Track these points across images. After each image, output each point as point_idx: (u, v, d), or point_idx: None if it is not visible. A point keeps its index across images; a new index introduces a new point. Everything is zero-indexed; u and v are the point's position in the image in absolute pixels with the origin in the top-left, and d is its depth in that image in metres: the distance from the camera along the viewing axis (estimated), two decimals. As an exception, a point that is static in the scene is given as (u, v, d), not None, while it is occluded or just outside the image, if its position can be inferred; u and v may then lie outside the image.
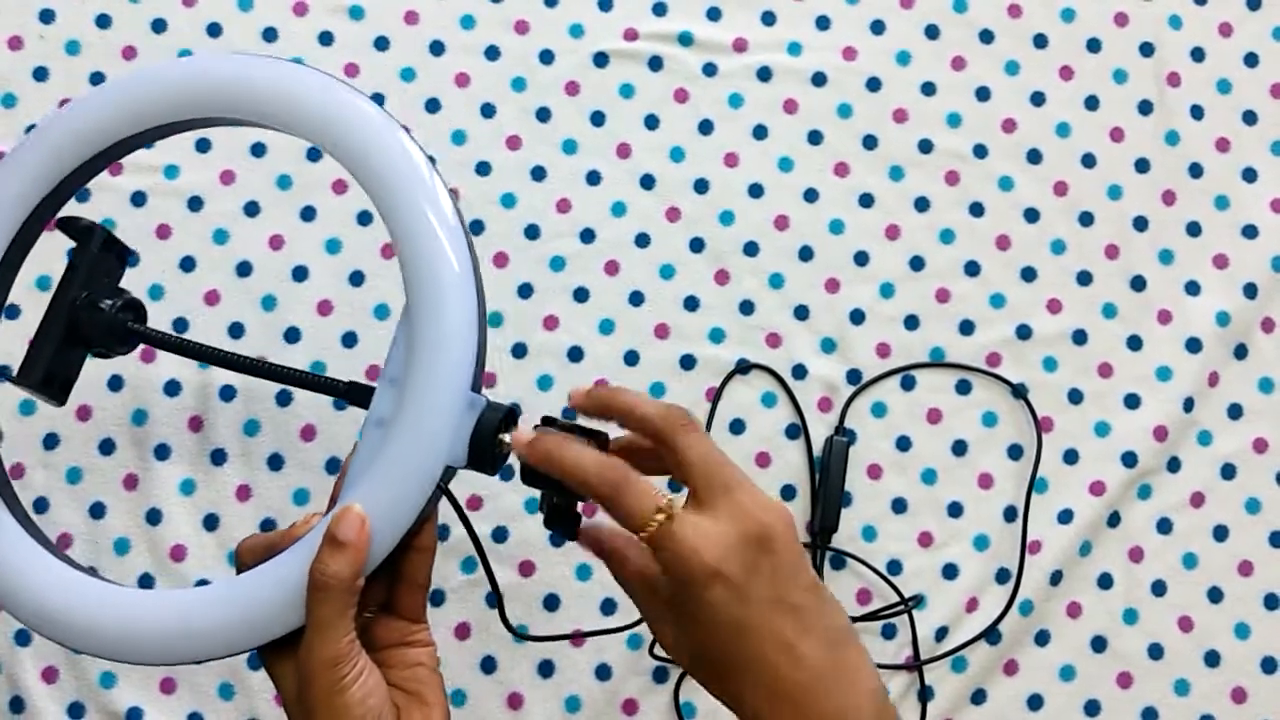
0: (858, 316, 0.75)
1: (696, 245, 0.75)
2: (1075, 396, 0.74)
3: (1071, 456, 0.74)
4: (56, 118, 0.50)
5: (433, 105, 0.75)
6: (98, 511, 0.71)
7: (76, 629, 0.46)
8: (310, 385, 0.51)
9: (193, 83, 0.48)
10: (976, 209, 0.76)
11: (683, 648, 0.46)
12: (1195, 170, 0.77)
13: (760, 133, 0.76)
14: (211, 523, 0.71)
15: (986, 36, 0.77)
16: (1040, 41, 0.77)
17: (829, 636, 0.43)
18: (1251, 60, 0.78)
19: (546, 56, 0.76)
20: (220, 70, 0.48)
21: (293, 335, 0.73)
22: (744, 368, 0.74)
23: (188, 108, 0.48)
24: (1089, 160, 0.76)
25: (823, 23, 0.77)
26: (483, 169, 0.75)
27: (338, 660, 0.42)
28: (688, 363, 0.74)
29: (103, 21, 0.75)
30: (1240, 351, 0.75)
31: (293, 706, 0.44)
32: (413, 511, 0.44)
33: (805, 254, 0.75)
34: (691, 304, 0.74)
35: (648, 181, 0.75)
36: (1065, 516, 0.73)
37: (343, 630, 0.43)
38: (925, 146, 0.76)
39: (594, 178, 0.75)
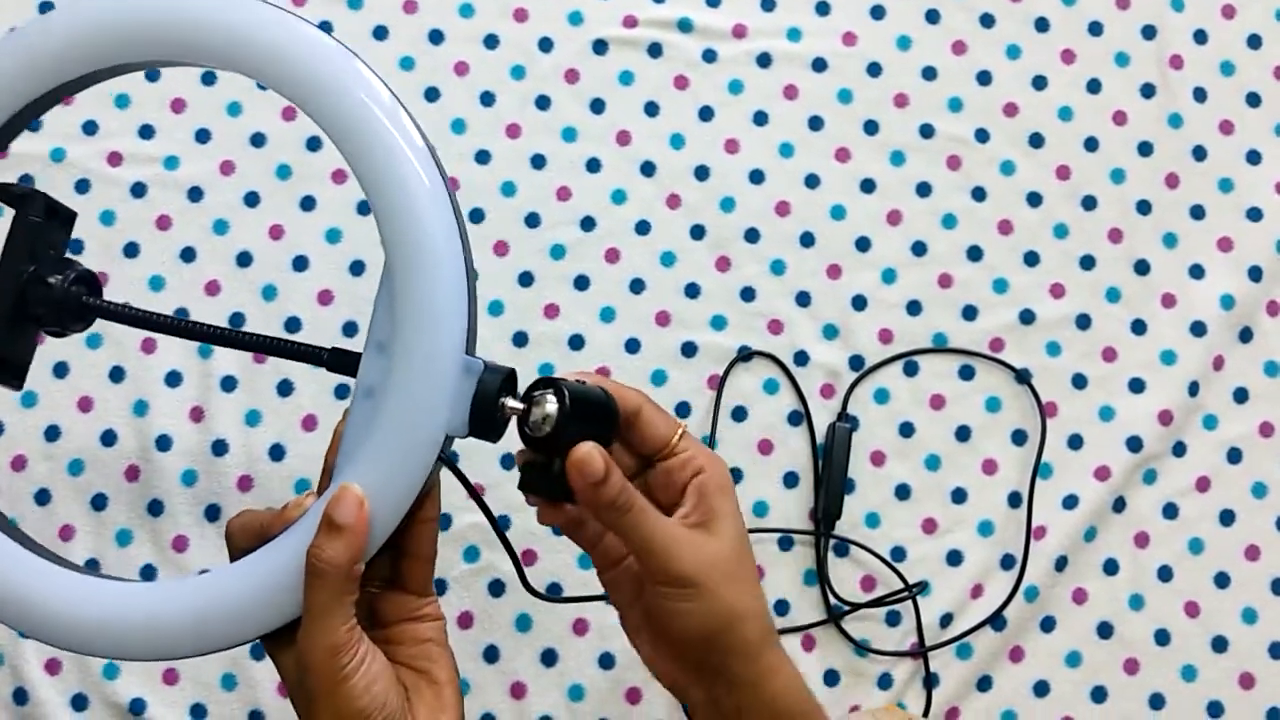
0: (860, 302, 0.74)
1: (697, 232, 0.75)
2: (1079, 381, 0.74)
3: (1076, 441, 0.73)
4: None
5: (432, 94, 0.75)
6: (99, 503, 0.71)
7: (64, 628, 0.43)
8: (284, 352, 0.46)
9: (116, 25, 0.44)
10: (978, 194, 0.75)
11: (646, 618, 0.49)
12: (1198, 153, 0.76)
13: (760, 119, 0.76)
14: (213, 513, 0.71)
15: (987, 20, 0.77)
16: (1041, 25, 0.77)
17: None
18: (1254, 42, 0.77)
19: (546, 44, 0.76)
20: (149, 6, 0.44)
21: (293, 325, 0.73)
22: (746, 355, 0.74)
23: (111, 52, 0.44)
24: (1091, 144, 0.76)
25: (822, 8, 0.77)
26: (482, 158, 0.75)
27: (337, 649, 0.41)
28: (689, 350, 0.74)
29: (101, 13, 0.75)
30: (1245, 335, 0.75)
31: (295, 695, 0.43)
32: (413, 488, 0.42)
33: (806, 240, 0.75)
34: (693, 291, 0.74)
35: (648, 169, 0.75)
36: (1070, 502, 0.73)
37: (341, 617, 0.41)
38: (926, 131, 0.76)
39: (594, 165, 0.75)
